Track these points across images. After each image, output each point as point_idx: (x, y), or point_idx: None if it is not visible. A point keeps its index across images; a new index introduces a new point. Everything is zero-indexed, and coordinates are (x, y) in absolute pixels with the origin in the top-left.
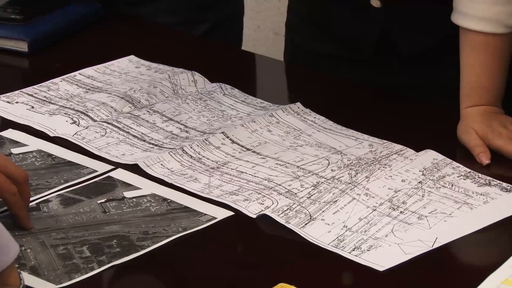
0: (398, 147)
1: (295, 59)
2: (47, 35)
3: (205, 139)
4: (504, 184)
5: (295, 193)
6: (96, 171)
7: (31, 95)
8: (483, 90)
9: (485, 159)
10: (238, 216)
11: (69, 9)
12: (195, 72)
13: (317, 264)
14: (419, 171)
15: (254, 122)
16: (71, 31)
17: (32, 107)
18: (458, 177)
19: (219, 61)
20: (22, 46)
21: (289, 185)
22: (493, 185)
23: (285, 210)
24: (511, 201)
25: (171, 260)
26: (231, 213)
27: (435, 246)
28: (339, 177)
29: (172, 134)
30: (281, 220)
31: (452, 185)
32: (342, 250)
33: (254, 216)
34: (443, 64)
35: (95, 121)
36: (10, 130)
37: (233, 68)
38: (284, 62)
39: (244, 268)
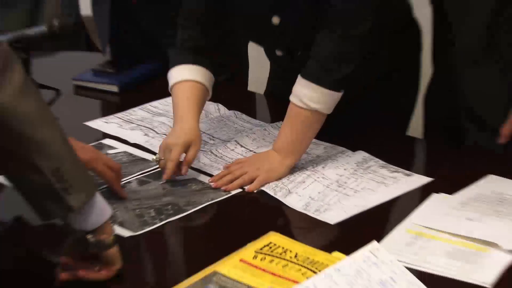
0: (341, 148)
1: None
2: (130, 82)
3: (224, 144)
4: (407, 172)
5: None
6: None
7: (120, 118)
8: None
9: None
10: (245, 191)
11: (144, 66)
12: (219, 103)
13: (293, 220)
14: (355, 163)
15: (255, 133)
16: (145, 79)
17: (121, 126)
18: (378, 167)
19: (233, 98)
20: (115, 88)
21: None
22: (399, 172)
23: (273, 187)
24: (410, 182)
25: (204, 219)
26: (240, 190)
27: (365, 209)
28: (306, 167)
29: (204, 141)
30: (271, 192)
31: (374, 172)
32: (308, 211)
33: (255, 191)
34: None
35: (158, 133)
36: (107, 139)
37: (242, 102)
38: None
39: (246, 225)
